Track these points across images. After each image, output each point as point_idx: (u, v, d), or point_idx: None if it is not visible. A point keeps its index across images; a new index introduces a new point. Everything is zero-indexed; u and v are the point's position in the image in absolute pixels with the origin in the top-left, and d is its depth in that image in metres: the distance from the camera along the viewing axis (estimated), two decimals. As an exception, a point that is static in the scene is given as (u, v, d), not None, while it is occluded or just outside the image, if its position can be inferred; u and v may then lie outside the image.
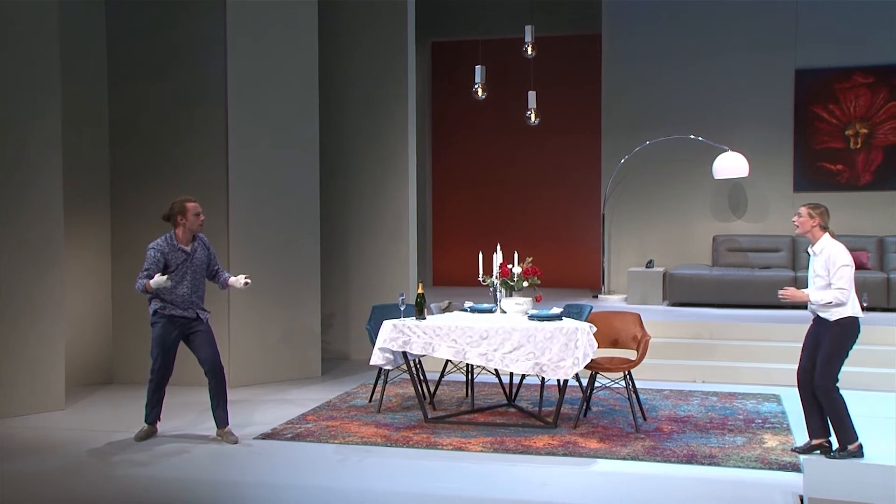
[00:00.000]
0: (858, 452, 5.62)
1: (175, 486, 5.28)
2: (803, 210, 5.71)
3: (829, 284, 5.54)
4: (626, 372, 6.48)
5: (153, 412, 6.29)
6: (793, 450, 5.83)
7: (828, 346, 5.59)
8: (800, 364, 5.82)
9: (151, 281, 5.95)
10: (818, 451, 5.75)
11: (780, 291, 5.75)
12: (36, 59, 7.06)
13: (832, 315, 5.57)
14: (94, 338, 8.20)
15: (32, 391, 7.01)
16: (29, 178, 7.01)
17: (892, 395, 7.05)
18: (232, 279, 6.35)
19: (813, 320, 5.81)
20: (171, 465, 5.68)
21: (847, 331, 5.57)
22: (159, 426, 6.36)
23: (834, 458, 5.62)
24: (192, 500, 5.05)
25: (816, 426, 5.75)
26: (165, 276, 5.97)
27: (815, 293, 5.62)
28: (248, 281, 6.34)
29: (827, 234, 5.67)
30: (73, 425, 6.69)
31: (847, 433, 5.61)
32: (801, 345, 8.21)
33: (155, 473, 5.53)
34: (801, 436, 6.18)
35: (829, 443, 5.75)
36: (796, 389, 5.85)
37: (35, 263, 7.03)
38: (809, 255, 5.81)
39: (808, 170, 10.93)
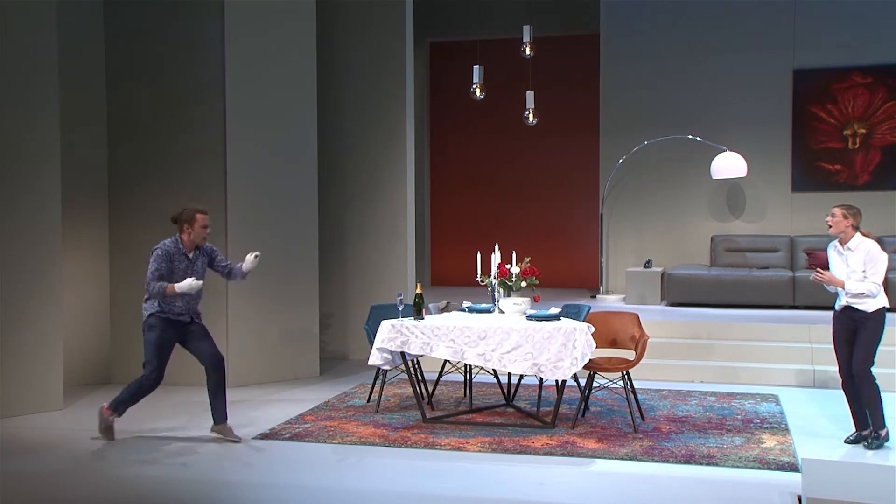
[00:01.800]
0: (886, 437, 5.89)
1: (174, 486, 5.27)
2: (838, 211, 5.90)
3: (864, 277, 5.80)
4: (625, 372, 6.48)
5: (125, 409, 6.20)
6: (845, 441, 6.03)
7: (866, 334, 5.86)
8: (839, 360, 6.03)
9: (180, 285, 5.95)
10: (866, 442, 5.97)
11: (816, 272, 5.91)
12: (34, 58, 7.06)
13: (870, 307, 5.82)
14: (92, 338, 8.20)
15: (30, 391, 7.00)
16: (27, 178, 7.00)
17: (893, 396, 7.04)
18: (244, 265, 6.32)
19: (835, 316, 6.03)
20: (171, 465, 5.68)
21: (881, 320, 5.87)
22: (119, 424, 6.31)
23: (870, 447, 5.86)
24: (192, 500, 5.04)
25: (864, 417, 5.99)
26: (200, 282, 6.02)
27: (851, 282, 5.83)
28: (258, 254, 6.33)
29: (859, 233, 5.91)
30: (71, 425, 6.68)
31: (881, 418, 5.87)
32: (800, 345, 8.33)
33: (154, 473, 5.52)
34: (799, 436, 6.20)
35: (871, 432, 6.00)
36: (840, 386, 6.09)
37: (33, 263, 7.02)
38: (834, 251, 6.01)
39: (807, 170, 10.94)
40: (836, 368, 6.09)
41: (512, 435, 6.24)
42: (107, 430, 6.19)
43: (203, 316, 6.34)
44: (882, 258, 5.79)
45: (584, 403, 6.70)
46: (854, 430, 6.05)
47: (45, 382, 7.08)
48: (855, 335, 5.91)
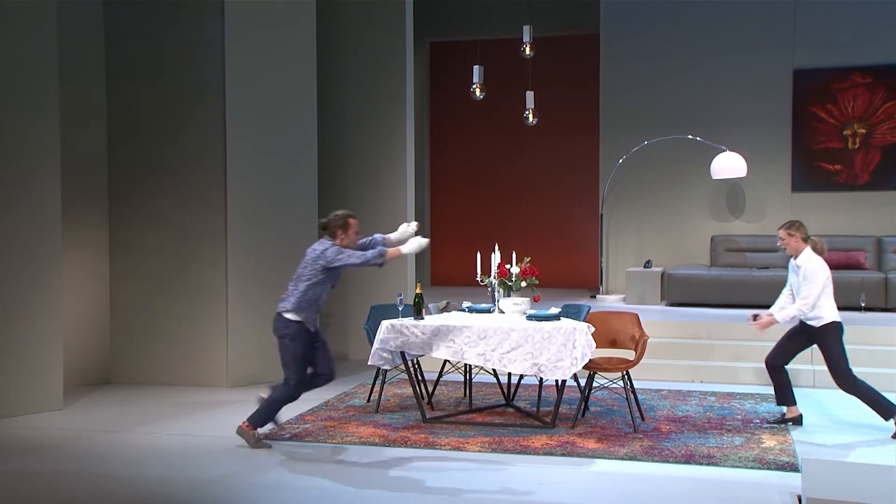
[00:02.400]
0: None
1: (174, 486, 5.27)
2: (782, 233, 6.30)
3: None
4: (625, 372, 6.48)
5: (266, 423, 6.09)
6: (768, 422, 6.40)
7: (827, 352, 6.14)
8: (777, 346, 6.43)
9: (408, 246, 5.99)
10: (791, 423, 6.35)
11: (754, 325, 6.31)
12: (34, 58, 7.05)
13: (816, 322, 6.15)
14: (92, 338, 8.19)
15: (30, 391, 7.00)
16: (27, 177, 7.00)
17: (892, 396, 7.04)
18: (404, 246, 6.12)
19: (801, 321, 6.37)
20: (171, 465, 5.68)
21: (834, 332, 6.13)
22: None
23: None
24: (192, 500, 5.04)
25: (786, 398, 6.40)
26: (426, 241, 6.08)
27: (780, 314, 6.22)
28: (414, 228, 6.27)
29: (808, 246, 6.23)
30: (71, 425, 6.68)
31: (884, 408, 6.06)
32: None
33: (154, 473, 5.52)
34: (799, 436, 6.21)
35: (800, 415, 6.45)
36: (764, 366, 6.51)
37: (33, 263, 7.02)
38: (791, 266, 6.40)
39: (807, 170, 10.93)
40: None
41: (512, 435, 6.24)
42: (258, 442, 5.99)
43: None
44: (817, 276, 6.06)
45: (584, 403, 6.70)
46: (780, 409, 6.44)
47: (45, 382, 7.07)
48: (807, 336, 6.24)
